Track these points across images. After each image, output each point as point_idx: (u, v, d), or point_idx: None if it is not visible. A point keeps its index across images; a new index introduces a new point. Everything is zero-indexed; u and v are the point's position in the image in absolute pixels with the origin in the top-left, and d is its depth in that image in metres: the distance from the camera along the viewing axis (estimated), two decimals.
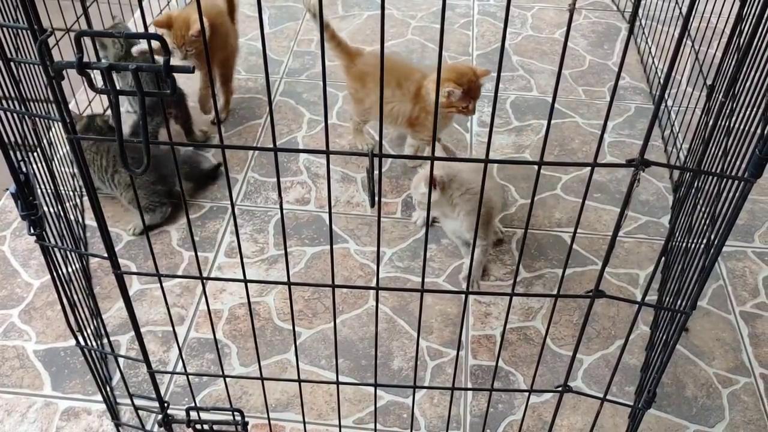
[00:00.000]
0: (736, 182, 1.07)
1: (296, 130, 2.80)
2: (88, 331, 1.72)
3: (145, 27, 0.96)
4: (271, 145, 1.02)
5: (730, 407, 1.90)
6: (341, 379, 1.94)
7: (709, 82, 2.17)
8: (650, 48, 3.19)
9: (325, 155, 1.02)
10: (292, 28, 3.42)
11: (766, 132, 0.96)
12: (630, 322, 1.27)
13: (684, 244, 1.85)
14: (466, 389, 1.87)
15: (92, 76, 0.98)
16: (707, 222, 1.55)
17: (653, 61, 3.12)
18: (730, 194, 1.25)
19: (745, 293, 2.21)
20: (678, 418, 1.87)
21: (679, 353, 2.03)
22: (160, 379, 1.93)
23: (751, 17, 1.89)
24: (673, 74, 2.89)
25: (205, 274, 2.23)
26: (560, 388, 1.39)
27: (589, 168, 1.03)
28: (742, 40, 1.86)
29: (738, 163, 1.49)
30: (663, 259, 2.19)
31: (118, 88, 0.97)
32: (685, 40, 0.88)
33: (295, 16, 3.50)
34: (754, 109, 1.53)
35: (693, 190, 1.99)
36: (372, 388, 1.86)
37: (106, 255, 1.25)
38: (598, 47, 3.34)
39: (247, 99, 2.96)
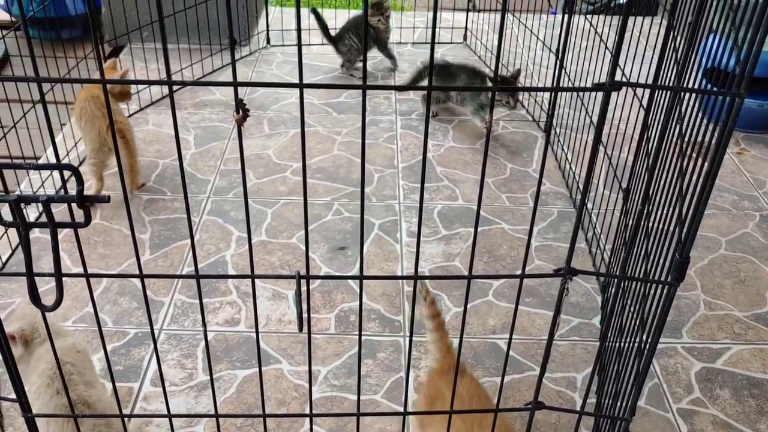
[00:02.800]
0: (661, 285, 1.09)
1: (224, 249, 2.75)
2: None
3: (57, 158, 0.93)
4: (198, 267, 0.99)
5: None
6: None
7: (624, 184, 2.26)
8: (566, 154, 3.33)
9: (251, 279, 0.99)
10: (218, 147, 3.44)
11: (683, 235, 0.99)
12: (572, 429, 1.24)
13: (617, 345, 1.86)
14: None
15: None
16: (637, 323, 1.57)
17: (570, 167, 3.25)
18: (656, 295, 1.27)
19: (680, 390, 2.22)
20: None
21: None
22: None
23: (655, 124, 2.00)
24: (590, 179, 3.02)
25: (129, 406, 2.10)
26: None
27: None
28: (650, 146, 1.95)
29: (661, 262, 1.53)
30: (599, 361, 2.19)
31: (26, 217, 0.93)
32: (599, 146, 0.91)
33: (221, 136, 3.53)
34: (670, 210, 1.59)
35: (621, 292, 2.02)
36: None
37: (14, 398, 1.15)
38: (518, 156, 3.47)
39: (174, 219, 2.91)
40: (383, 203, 3.06)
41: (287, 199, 3.08)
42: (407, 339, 2.36)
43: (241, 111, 0.80)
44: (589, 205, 2.94)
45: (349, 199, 3.08)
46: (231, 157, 3.36)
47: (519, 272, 1.03)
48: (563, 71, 3.45)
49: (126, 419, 1.18)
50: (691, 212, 0.94)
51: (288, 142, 3.50)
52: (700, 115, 1.44)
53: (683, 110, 1.56)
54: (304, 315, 1.04)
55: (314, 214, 2.98)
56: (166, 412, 1.20)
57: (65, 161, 3.12)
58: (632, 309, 1.74)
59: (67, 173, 0.88)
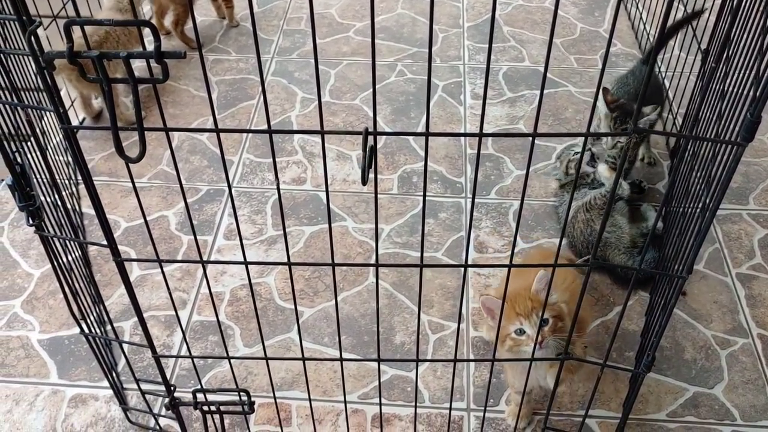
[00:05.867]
0: (730, 146, 1.08)
1: (289, 110, 2.80)
2: (91, 318, 1.73)
3: (135, 14, 0.95)
4: (265, 127, 1.02)
5: (728, 368, 1.92)
6: (345, 355, 1.96)
7: (703, 46, 2.16)
8: (641, 13, 3.17)
9: (320, 135, 1.02)
10: (281, 6, 3.40)
11: (757, 95, 0.96)
12: (628, 289, 1.28)
13: (681, 209, 1.86)
14: (468, 360, 1.90)
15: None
16: (703, 186, 1.56)
17: (644, 27, 3.10)
18: (724, 158, 1.26)
19: (741, 255, 2.22)
20: (678, 380, 1.90)
21: (678, 317, 2.05)
22: (165, 363, 1.95)
23: None
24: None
25: (204, 258, 2.24)
26: (561, 356, 1.41)
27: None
28: (734, 4, 1.85)
29: (732, 126, 1.50)
30: (662, 224, 2.20)
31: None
32: (677, 3, 0.88)
33: None
34: (748, 72, 1.53)
35: (689, 155, 2.00)
36: (375, 364, 1.89)
37: (105, 243, 1.25)
38: (589, 15, 3.32)
39: (239, 80, 2.95)
40: (447, 64, 3.02)
41: (350, 60, 3.06)
42: (469, 200, 2.41)
43: None
44: (663, 68, 2.83)
45: (413, 60, 3.05)
46: (294, 17, 3.32)
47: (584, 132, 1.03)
48: None
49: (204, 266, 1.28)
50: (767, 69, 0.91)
51: (351, 0, 3.43)
52: None
53: None
54: (371, 173, 1.07)
55: (377, 75, 2.96)
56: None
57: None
58: (699, 174, 1.72)
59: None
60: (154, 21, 3.03)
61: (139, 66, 2.93)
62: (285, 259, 1.24)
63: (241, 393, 1.54)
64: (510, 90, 2.88)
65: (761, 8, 1.42)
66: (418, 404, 1.84)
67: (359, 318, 2.06)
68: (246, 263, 1.26)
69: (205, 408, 1.57)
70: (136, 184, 2.49)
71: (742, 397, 1.86)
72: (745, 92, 1.41)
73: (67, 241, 1.91)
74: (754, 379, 1.90)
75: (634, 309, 2.07)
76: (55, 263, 1.43)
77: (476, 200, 2.41)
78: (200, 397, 1.57)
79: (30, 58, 1.03)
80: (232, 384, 1.77)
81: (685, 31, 2.56)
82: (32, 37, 0.99)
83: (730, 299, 2.10)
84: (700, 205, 1.47)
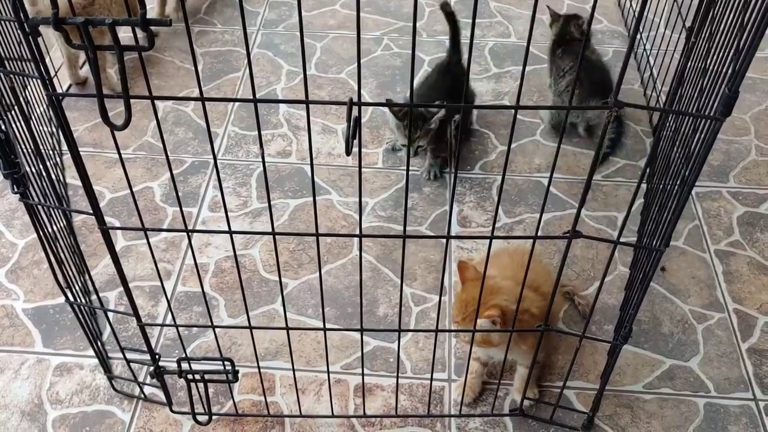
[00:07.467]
0: (709, 121, 1.10)
1: (275, 83, 2.79)
2: (76, 287, 1.73)
3: None
4: (251, 97, 1.03)
5: (704, 342, 1.97)
6: (328, 326, 1.98)
7: (688, 24, 2.17)
8: None
9: (305, 106, 1.03)
10: None
11: (735, 71, 0.98)
12: (607, 262, 1.31)
13: (662, 185, 1.89)
14: (450, 331, 1.92)
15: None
16: (682, 161, 1.58)
17: (630, 3, 3.11)
18: (703, 134, 1.28)
19: (719, 232, 2.26)
20: (655, 353, 1.94)
21: (656, 291, 2.08)
22: (150, 332, 1.96)
23: None
24: (651, 17, 2.89)
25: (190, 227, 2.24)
26: (540, 327, 1.44)
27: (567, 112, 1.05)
28: None
29: (712, 102, 1.52)
30: (642, 200, 2.23)
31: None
32: None
33: None
34: (729, 48, 1.55)
35: (670, 131, 2.02)
36: (358, 335, 1.91)
37: (90, 211, 1.26)
38: None
39: (225, 52, 2.93)
40: (434, 39, 3.01)
41: (336, 33, 3.05)
42: (452, 175, 2.42)
43: None
44: (648, 46, 2.84)
45: (399, 34, 3.04)
46: None
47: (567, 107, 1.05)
48: None
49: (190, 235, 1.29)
50: (746, 44, 0.93)
51: None
52: None
53: None
54: (355, 145, 1.08)
55: (363, 48, 2.96)
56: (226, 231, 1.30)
57: None
58: (679, 150, 1.74)
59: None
60: None
61: (123, 36, 2.90)
62: (269, 230, 1.25)
63: (226, 362, 1.55)
64: (496, 66, 2.89)
65: None
66: (400, 374, 1.87)
67: (343, 290, 2.08)
68: (231, 232, 1.27)
69: (190, 377, 1.59)
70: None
71: (716, 369, 1.90)
72: (726, 70, 1.43)
73: (52, 210, 1.90)
74: (728, 353, 1.94)
75: (614, 284, 2.10)
76: (41, 231, 1.44)
77: (460, 175, 2.42)
78: (185, 365, 1.59)
79: (14, 25, 1.03)
80: (217, 354, 1.78)
81: (671, 8, 2.57)
82: (17, 3, 0.99)
83: (707, 275, 2.14)
84: (679, 180, 1.49)
